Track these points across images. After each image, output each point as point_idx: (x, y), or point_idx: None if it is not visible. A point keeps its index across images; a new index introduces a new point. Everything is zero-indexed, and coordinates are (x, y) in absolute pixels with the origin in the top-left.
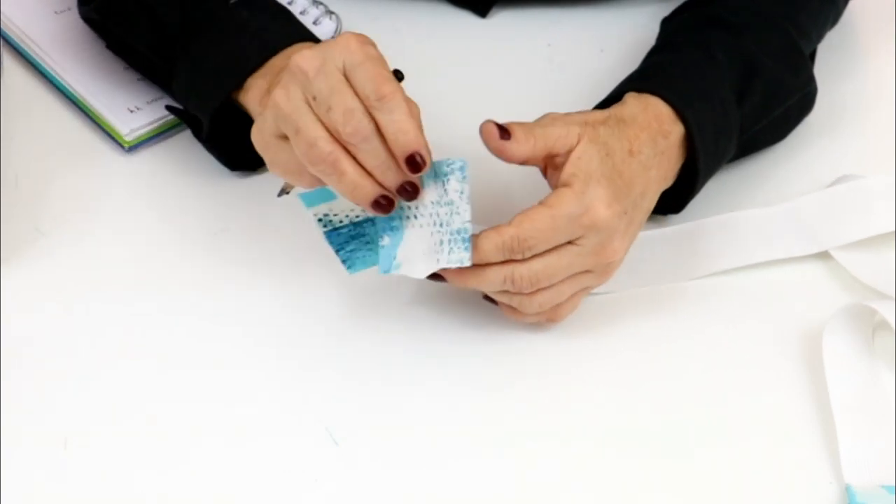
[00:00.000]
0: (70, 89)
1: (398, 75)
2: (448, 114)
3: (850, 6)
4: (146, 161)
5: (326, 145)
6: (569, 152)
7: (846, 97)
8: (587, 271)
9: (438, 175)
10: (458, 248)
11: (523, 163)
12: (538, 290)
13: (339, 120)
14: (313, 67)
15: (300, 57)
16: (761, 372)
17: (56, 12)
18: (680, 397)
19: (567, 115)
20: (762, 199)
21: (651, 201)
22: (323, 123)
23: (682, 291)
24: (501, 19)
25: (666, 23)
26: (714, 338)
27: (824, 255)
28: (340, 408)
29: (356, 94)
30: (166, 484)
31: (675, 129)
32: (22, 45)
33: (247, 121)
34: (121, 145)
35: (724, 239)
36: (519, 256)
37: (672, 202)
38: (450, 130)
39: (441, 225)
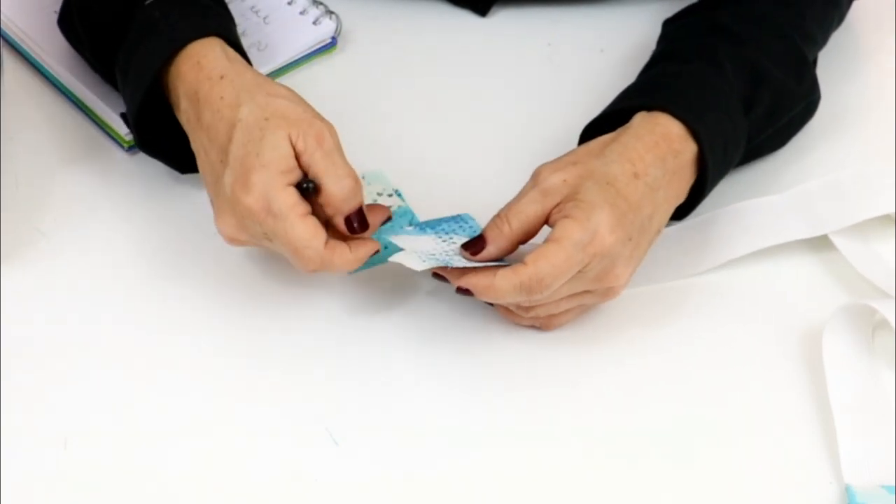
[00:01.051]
0: (70, 89)
1: (308, 188)
2: (448, 113)
3: (851, 7)
4: (146, 161)
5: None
6: (566, 198)
7: (847, 99)
8: (587, 291)
9: (448, 231)
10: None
11: (519, 243)
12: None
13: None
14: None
15: (221, 225)
16: (761, 372)
17: (56, 12)
18: (679, 397)
19: (557, 161)
20: None
21: (661, 222)
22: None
23: (682, 291)
24: (501, 19)
25: (668, 25)
26: (714, 337)
27: (825, 255)
28: (340, 408)
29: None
30: (166, 484)
31: (687, 148)
32: (22, 45)
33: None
34: (121, 145)
35: (726, 230)
36: (537, 296)
37: (674, 210)
38: (449, 130)
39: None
